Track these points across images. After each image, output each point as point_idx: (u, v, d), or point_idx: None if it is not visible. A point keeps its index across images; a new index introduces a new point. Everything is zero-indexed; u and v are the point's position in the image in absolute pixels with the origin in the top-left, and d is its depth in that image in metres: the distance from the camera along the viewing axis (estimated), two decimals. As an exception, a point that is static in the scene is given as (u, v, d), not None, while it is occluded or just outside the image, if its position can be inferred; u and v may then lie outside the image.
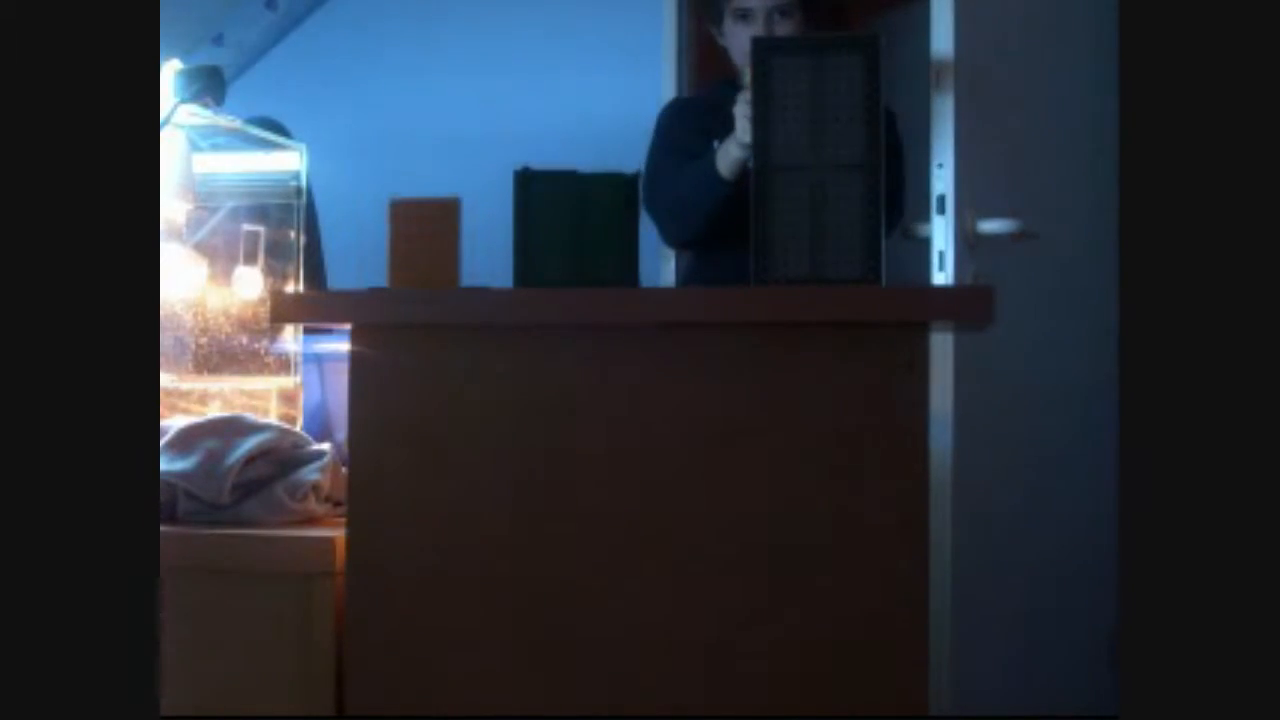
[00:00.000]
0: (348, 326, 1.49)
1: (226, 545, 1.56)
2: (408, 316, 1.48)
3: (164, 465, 1.62)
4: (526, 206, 1.49)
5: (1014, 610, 2.55)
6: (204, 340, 1.93)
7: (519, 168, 1.49)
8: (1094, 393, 2.58)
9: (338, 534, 1.51)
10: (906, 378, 1.39)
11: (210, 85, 1.83)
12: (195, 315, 1.93)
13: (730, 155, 2.21)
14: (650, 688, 1.41)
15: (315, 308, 1.58)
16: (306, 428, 1.85)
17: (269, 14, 3.89)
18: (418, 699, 1.44)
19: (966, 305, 1.46)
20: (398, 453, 1.46)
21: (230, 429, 1.66)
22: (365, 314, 1.48)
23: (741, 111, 2.12)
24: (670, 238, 2.53)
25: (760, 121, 1.46)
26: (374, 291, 1.49)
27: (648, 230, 1.95)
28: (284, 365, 1.92)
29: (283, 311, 1.60)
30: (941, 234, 2.38)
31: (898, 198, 2.38)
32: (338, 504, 1.67)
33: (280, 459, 1.65)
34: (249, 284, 1.92)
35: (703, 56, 2.92)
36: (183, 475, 1.61)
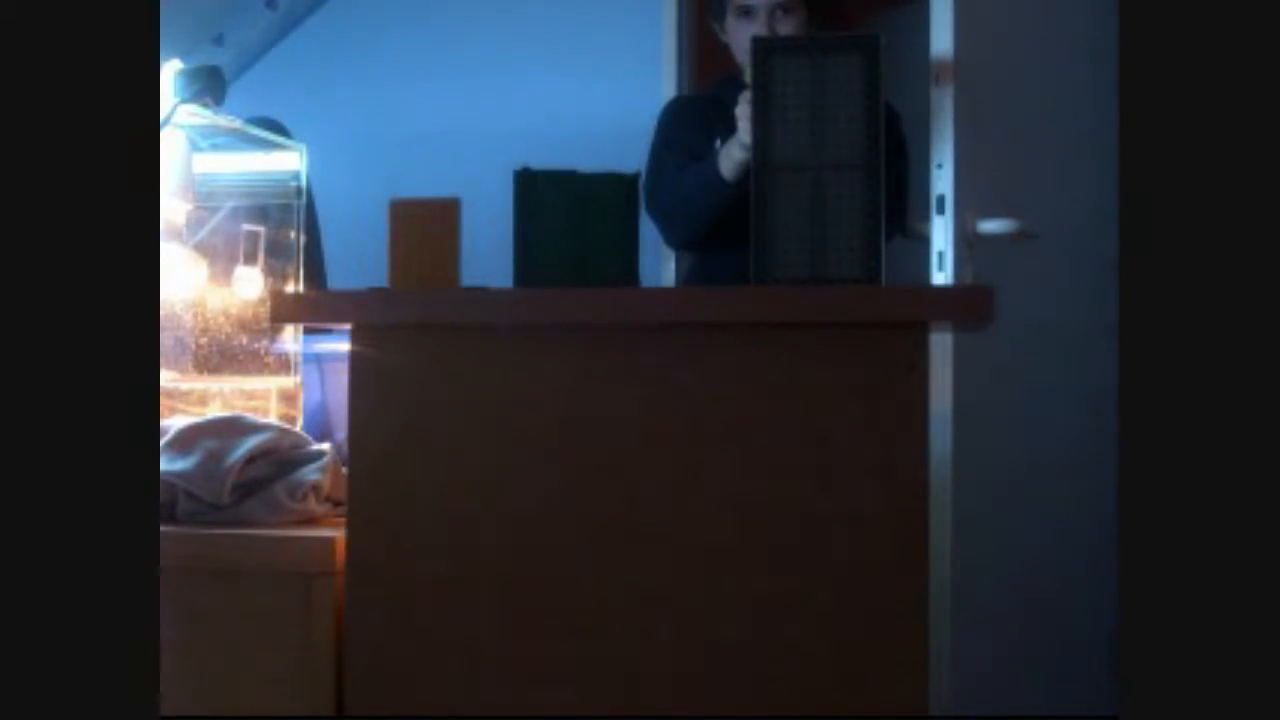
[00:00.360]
0: (348, 326, 1.49)
1: (226, 545, 1.56)
2: (408, 316, 1.48)
3: (164, 465, 1.61)
4: (526, 206, 1.49)
5: (1014, 610, 2.54)
6: (204, 340, 1.92)
7: (519, 168, 1.49)
8: (1094, 392, 2.58)
9: (338, 534, 1.51)
10: (906, 378, 1.39)
11: (210, 85, 1.83)
12: (195, 315, 1.93)
13: (732, 157, 2.21)
14: (650, 688, 1.41)
15: (315, 308, 1.58)
16: (306, 428, 1.85)
17: (269, 14, 3.89)
18: (418, 699, 1.44)
19: (966, 305, 1.46)
20: (398, 453, 1.46)
21: (230, 429, 1.66)
22: (365, 314, 1.48)
23: (743, 113, 2.12)
24: (672, 240, 2.53)
25: (760, 121, 1.46)
26: (374, 291, 1.49)
27: (648, 230, 1.95)
28: (284, 365, 1.91)
29: (283, 311, 1.60)
30: (941, 234, 2.38)
31: (901, 195, 2.38)
32: (338, 504, 1.67)
33: (280, 459, 1.65)
34: (249, 284, 1.92)
35: (704, 56, 2.92)
36: (183, 475, 1.61)
